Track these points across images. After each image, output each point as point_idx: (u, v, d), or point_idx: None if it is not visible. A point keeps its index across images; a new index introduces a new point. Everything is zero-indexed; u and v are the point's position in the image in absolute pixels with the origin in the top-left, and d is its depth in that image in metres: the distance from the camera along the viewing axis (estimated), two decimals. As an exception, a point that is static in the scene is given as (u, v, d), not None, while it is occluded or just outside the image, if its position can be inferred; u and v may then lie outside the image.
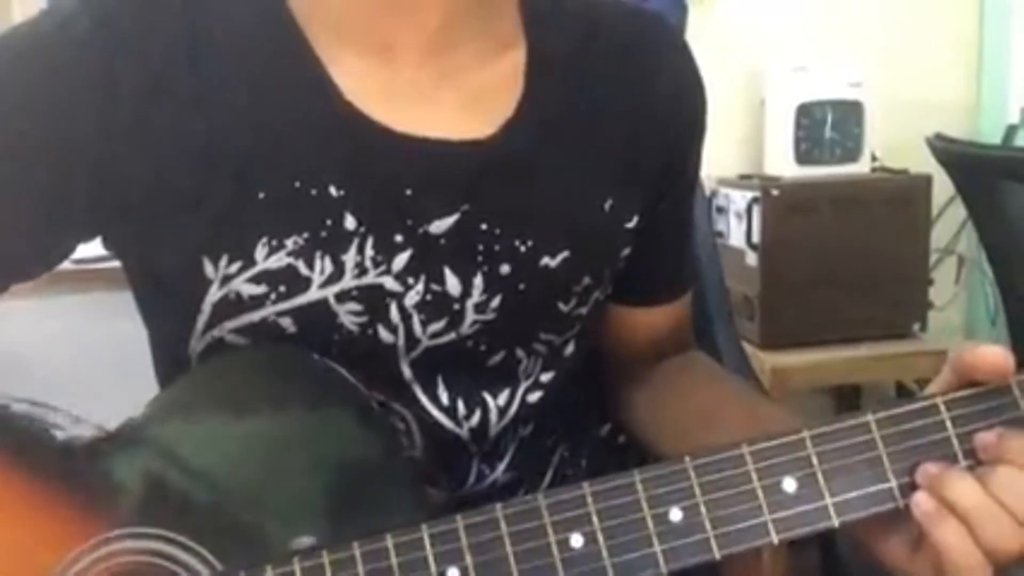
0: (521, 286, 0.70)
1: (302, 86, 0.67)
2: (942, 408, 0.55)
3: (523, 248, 0.70)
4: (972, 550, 0.52)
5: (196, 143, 0.65)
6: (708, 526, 0.54)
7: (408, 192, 0.67)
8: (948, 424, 0.55)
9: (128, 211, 0.66)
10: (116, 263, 1.53)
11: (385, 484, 0.62)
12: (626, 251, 0.76)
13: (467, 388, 0.72)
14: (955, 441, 0.54)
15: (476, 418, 0.72)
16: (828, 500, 0.54)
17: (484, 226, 0.69)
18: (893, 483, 0.55)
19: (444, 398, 0.71)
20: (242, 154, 0.65)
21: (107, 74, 0.64)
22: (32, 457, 0.62)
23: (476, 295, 0.69)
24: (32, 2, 1.73)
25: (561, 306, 0.73)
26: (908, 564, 0.56)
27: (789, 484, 0.54)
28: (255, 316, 0.66)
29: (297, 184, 0.66)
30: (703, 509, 0.54)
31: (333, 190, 0.66)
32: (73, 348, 1.84)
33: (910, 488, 0.54)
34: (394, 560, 0.54)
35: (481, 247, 0.69)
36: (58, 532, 0.60)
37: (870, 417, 0.55)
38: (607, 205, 0.73)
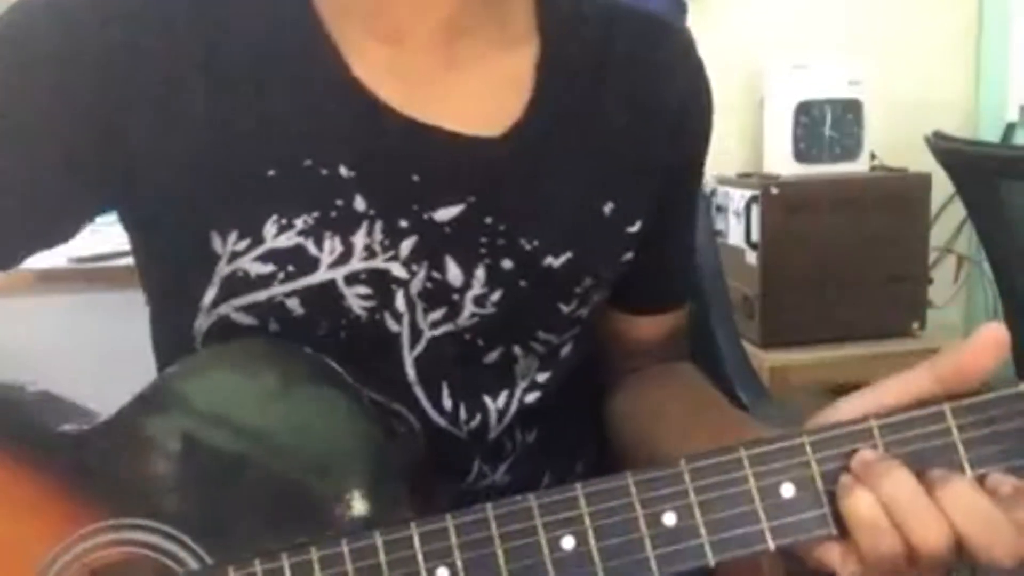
0: (523, 283, 0.70)
1: (316, 66, 0.67)
2: (948, 414, 0.53)
3: (528, 247, 0.70)
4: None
5: (206, 116, 0.65)
6: (703, 531, 0.52)
7: (415, 178, 0.67)
8: (954, 431, 0.53)
9: (137, 181, 0.66)
10: (116, 263, 1.55)
11: (380, 479, 0.61)
12: (628, 255, 0.76)
13: (468, 391, 0.72)
14: (961, 449, 0.52)
15: (476, 421, 0.72)
16: (826, 508, 0.52)
17: (488, 220, 0.69)
18: None
19: (447, 404, 0.71)
20: (252, 130, 0.65)
21: (123, 41, 0.64)
22: (28, 446, 0.62)
23: (477, 287, 0.69)
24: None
25: (562, 307, 0.73)
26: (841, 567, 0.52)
27: (787, 490, 0.53)
28: (262, 295, 0.66)
29: (308, 163, 0.65)
30: (697, 513, 0.53)
31: (344, 170, 0.66)
32: (73, 348, 1.84)
33: None
34: (383, 557, 0.53)
35: (484, 240, 0.69)
36: (47, 523, 0.59)
37: (872, 423, 0.54)
38: (607, 209, 0.73)
